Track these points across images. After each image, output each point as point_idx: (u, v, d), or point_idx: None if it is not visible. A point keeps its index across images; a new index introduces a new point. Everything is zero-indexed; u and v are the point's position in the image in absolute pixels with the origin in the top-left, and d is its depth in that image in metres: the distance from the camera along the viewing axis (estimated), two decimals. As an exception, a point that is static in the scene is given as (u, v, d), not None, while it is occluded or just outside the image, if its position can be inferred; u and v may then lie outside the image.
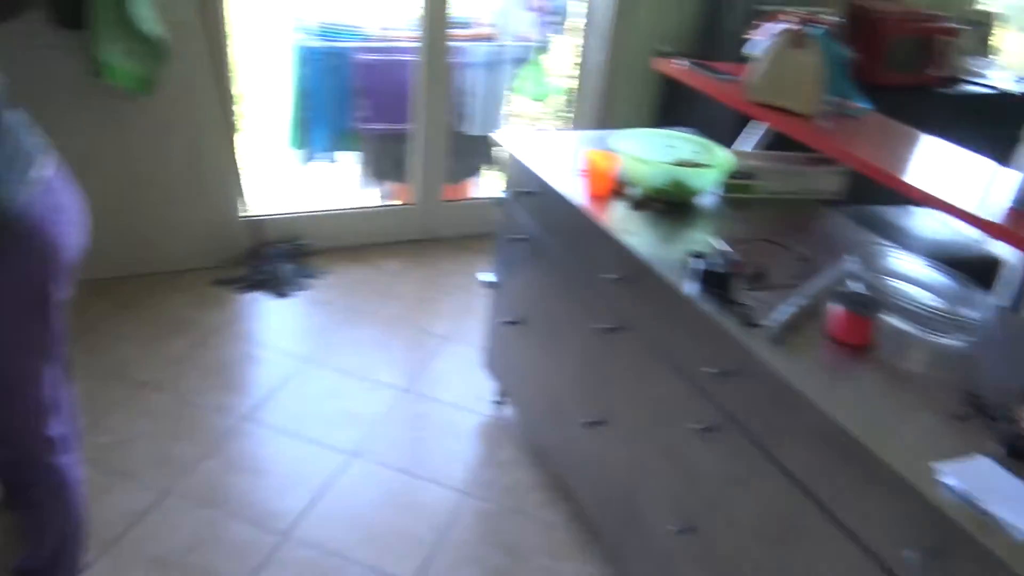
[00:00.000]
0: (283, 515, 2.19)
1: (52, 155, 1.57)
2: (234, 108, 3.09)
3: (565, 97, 3.93)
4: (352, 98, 3.57)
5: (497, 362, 2.57)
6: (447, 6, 3.24)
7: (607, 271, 1.83)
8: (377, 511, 2.24)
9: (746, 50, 2.27)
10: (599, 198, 1.97)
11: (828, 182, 2.13)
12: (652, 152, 2.00)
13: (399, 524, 2.20)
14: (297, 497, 2.25)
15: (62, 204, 1.55)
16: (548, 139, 2.41)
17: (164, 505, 2.18)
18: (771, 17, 2.23)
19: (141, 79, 2.75)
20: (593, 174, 1.97)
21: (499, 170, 4.02)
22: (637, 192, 1.96)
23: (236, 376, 2.74)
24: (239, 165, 3.17)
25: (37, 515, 1.71)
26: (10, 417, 1.57)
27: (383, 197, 3.90)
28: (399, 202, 3.80)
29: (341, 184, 3.93)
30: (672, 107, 3.63)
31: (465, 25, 3.54)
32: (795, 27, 2.14)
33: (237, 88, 3.10)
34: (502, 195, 2.36)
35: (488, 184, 4.05)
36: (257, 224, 3.30)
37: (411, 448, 2.48)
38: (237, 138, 3.13)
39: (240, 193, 3.23)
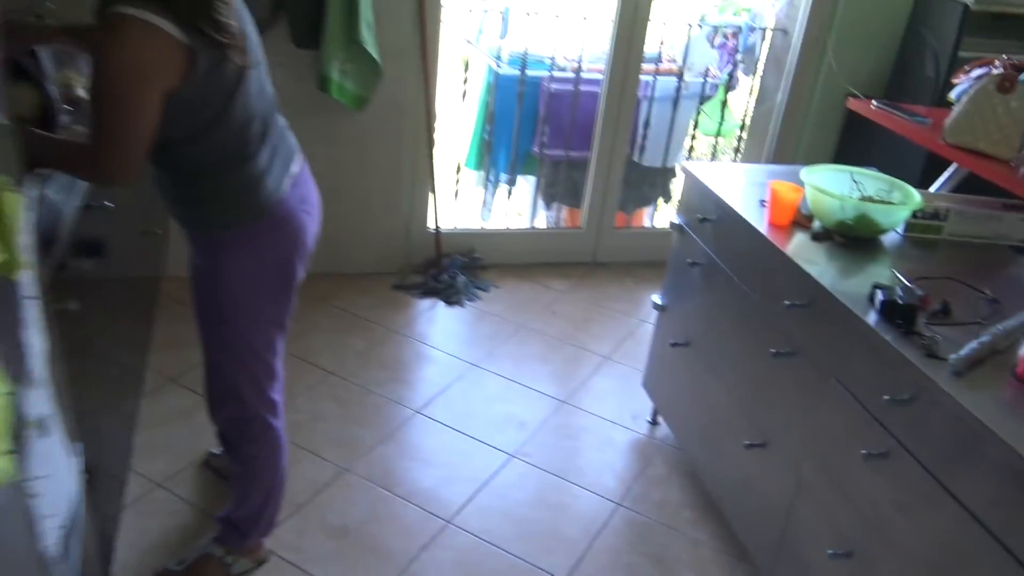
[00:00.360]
0: (447, 503, 2.35)
1: (302, 154, 1.83)
2: (433, 126, 3.35)
3: (744, 133, 3.96)
4: (534, 124, 3.76)
5: (656, 382, 2.64)
6: (641, 42, 3.38)
7: (785, 297, 1.88)
8: (532, 510, 2.36)
9: (952, 94, 2.26)
10: (780, 227, 2.02)
11: (1023, 229, 2.07)
12: (837, 187, 2.03)
13: (552, 524, 2.31)
14: (460, 488, 2.41)
15: (308, 196, 1.80)
16: (727, 170, 2.48)
17: (343, 480, 2.39)
18: (980, 62, 2.21)
19: (356, 96, 3.06)
20: (776, 204, 2.02)
21: (675, 202, 4.10)
22: (819, 224, 2.00)
23: (411, 373, 2.95)
24: (432, 181, 3.43)
25: (250, 469, 1.95)
26: (248, 378, 1.82)
27: (554, 220, 4.07)
28: (570, 226, 3.95)
29: (515, 204, 4.13)
30: (852, 147, 3.59)
31: (652, 60, 3.66)
32: (1004, 71, 2.11)
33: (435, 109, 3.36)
34: (677, 221, 2.44)
35: (662, 215, 4.13)
36: (438, 236, 3.54)
37: (567, 456, 2.59)
38: (433, 155, 3.39)
39: (428, 207, 3.49)
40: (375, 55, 2.99)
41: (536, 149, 3.81)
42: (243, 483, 1.97)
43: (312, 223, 1.81)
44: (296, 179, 1.76)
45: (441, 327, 3.26)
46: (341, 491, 2.35)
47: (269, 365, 1.84)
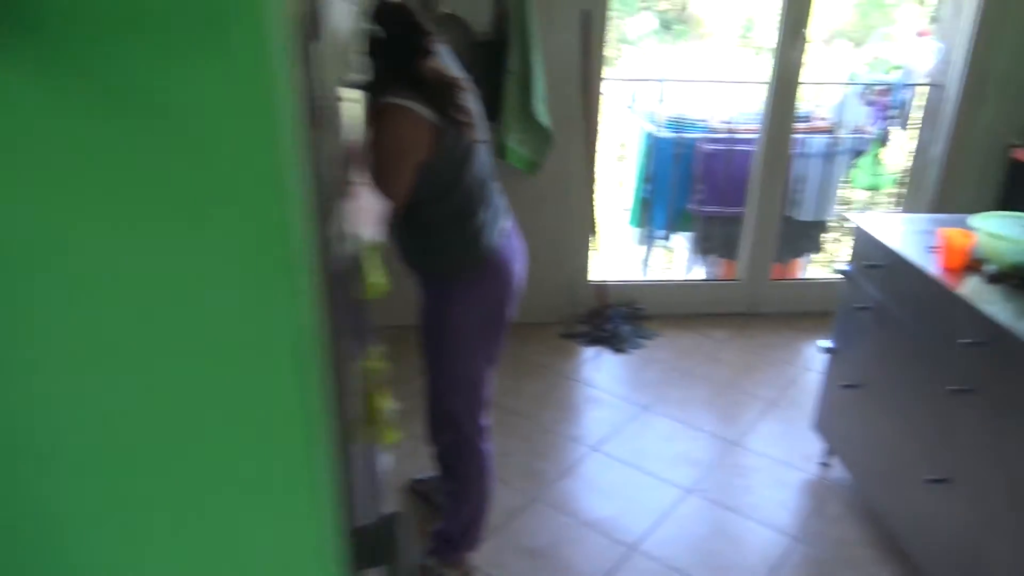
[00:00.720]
0: (629, 531, 2.53)
1: (510, 212, 2.12)
2: (595, 187, 3.63)
3: (898, 186, 4.03)
4: (690, 183, 3.98)
5: (828, 424, 2.74)
6: (794, 102, 3.57)
7: (960, 336, 1.99)
8: (711, 541, 2.50)
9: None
10: (952, 271, 2.13)
11: None
12: (1009, 232, 2.13)
13: (732, 555, 2.44)
14: (640, 518, 2.58)
15: (516, 248, 2.09)
16: (892, 220, 2.61)
17: (532, 508, 2.62)
18: None
19: (530, 162, 3.39)
20: (948, 249, 2.14)
21: (827, 253, 4.19)
22: (993, 267, 2.10)
23: (584, 414, 3.17)
24: (596, 237, 3.70)
25: (463, 487, 2.22)
26: (464, 406, 2.10)
27: (709, 272, 4.24)
28: (727, 277, 4.11)
29: (673, 258, 4.34)
30: (1016, 196, 3.60)
31: (804, 119, 3.83)
32: None
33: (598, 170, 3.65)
34: (846, 268, 2.58)
35: (813, 266, 4.23)
36: (601, 288, 3.78)
37: (740, 493, 2.72)
38: (596, 214, 3.66)
39: (591, 261, 3.75)
40: (547, 125, 3.31)
41: (692, 206, 4.02)
42: (455, 500, 2.24)
43: (520, 271, 2.10)
44: (507, 233, 2.05)
45: (608, 373, 3.48)
46: (531, 517, 2.58)
47: (482, 395, 2.12)
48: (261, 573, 0.68)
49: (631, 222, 4.15)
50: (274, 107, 0.53)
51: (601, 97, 3.53)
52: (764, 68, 3.60)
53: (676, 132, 3.90)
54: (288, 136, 0.56)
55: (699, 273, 4.25)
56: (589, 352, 3.61)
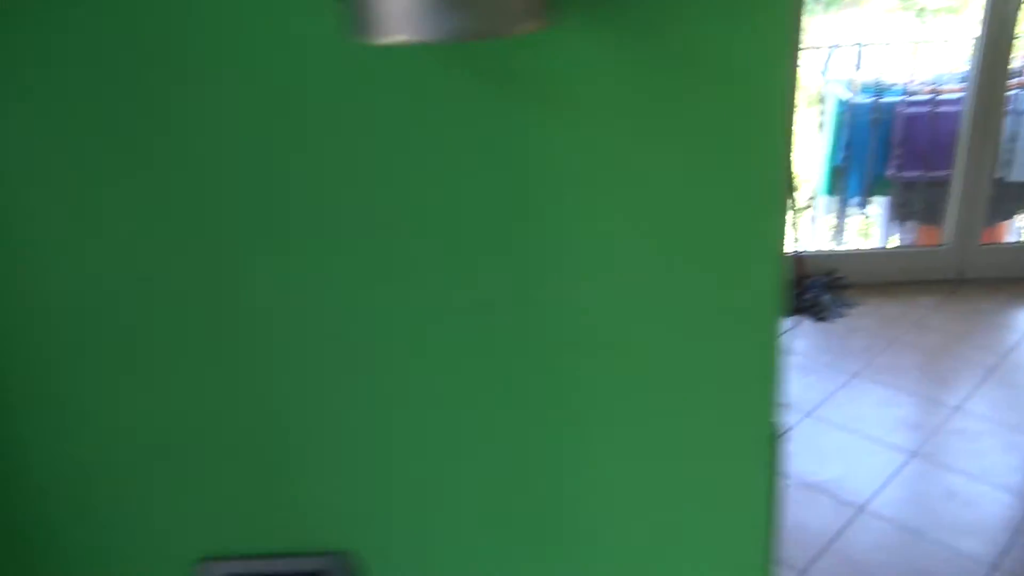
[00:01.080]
0: (855, 492, 2.57)
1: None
2: (792, 158, 3.63)
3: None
4: (888, 148, 3.90)
5: (1065, 388, 2.66)
6: (1007, 58, 3.42)
7: None
8: (944, 503, 2.50)
9: None
10: None
11: None
12: None
13: (969, 517, 2.44)
14: (865, 481, 2.62)
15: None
16: None
17: (752, 469, 2.70)
18: None
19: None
20: None
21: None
22: None
23: (792, 381, 3.21)
24: (792, 207, 3.70)
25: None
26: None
27: (906, 239, 4.13)
28: (924, 244, 3.99)
29: (869, 226, 4.27)
30: None
31: (1017, 74, 3.66)
32: None
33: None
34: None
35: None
36: (799, 257, 3.78)
37: (969, 457, 2.69)
38: (793, 183, 3.67)
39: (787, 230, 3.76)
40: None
41: (891, 171, 3.93)
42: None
43: None
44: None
45: (812, 341, 3.49)
46: (754, 478, 2.66)
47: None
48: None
49: (824, 191, 4.11)
50: (788, 57, 0.70)
51: (798, 68, 3.52)
52: (928, 30, 3.46)
53: (873, 96, 3.82)
54: (790, 86, 0.72)
55: (895, 240, 4.15)
56: (790, 321, 3.63)
